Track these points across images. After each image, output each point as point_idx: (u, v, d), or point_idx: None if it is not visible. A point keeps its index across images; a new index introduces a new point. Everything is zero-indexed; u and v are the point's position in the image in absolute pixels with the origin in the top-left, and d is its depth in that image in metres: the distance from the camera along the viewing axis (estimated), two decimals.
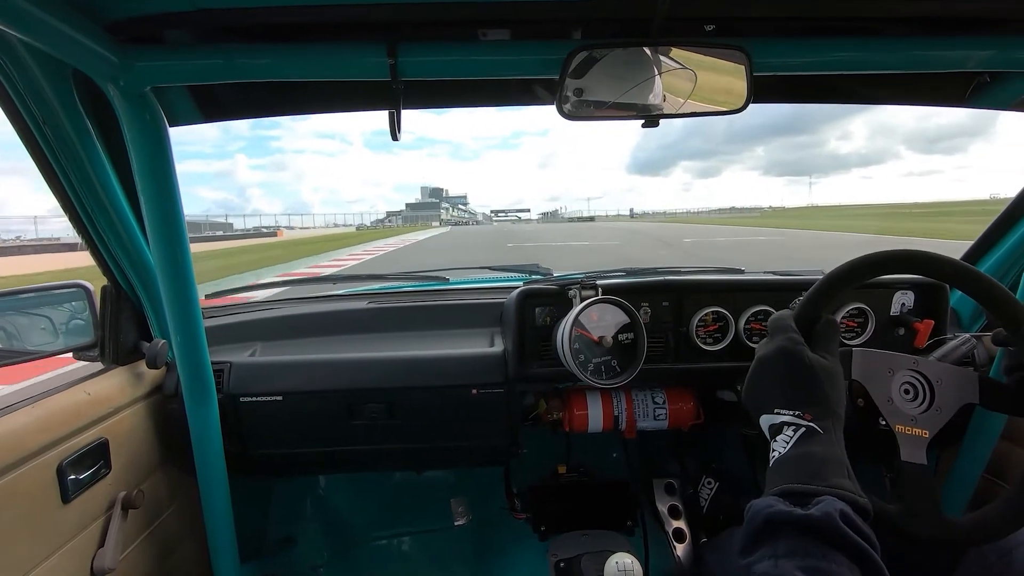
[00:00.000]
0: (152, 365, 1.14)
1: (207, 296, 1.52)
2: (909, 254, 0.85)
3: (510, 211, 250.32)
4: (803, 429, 0.64)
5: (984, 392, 0.82)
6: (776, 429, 0.67)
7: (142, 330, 1.19)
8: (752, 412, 0.73)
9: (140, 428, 1.15)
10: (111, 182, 0.98)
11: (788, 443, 0.64)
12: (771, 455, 0.65)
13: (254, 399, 1.22)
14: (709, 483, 1.58)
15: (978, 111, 1.16)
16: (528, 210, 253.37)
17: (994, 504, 0.78)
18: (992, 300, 0.83)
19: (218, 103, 1.08)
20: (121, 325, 1.13)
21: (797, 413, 0.66)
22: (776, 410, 0.68)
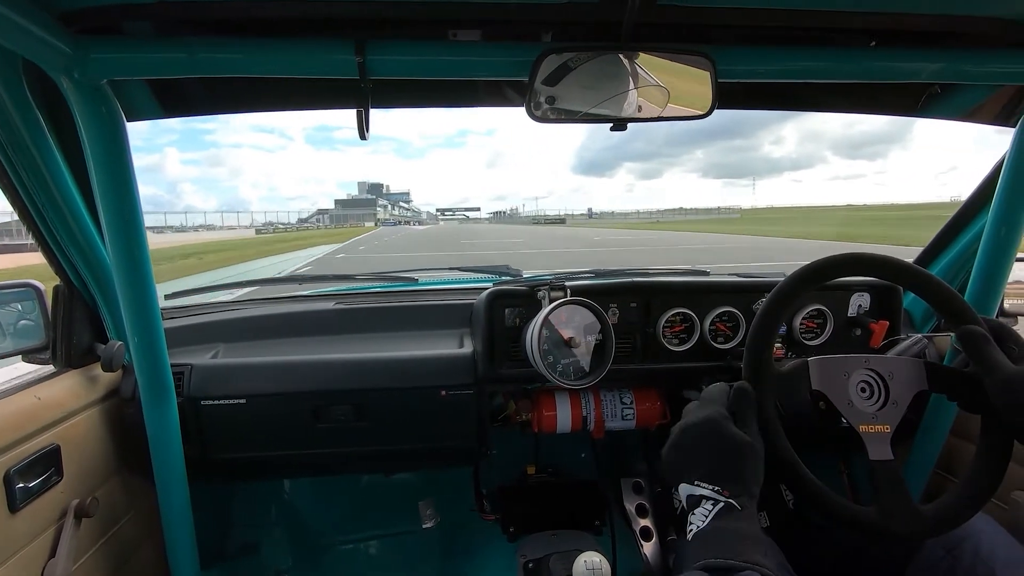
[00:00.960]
0: (108, 368, 1.10)
1: (167, 296, 1.48)
2: (865, 257, 0.90)
3: (457, 209, 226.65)
4: (722, 504, 0.67)
5: (931, 377, 0.87)
6: (695, 501, 0.69)
7: (97, 332, 1.14)
8: (670, 478, 0.75)
9: (95, 433, 1.10)
10: (64, 178, 0.94)
11: (707, 517, 0.66)
12: (688, 527, 0.68)
13: (216, 402, 1.19)
14: None
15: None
16: (478, 208, 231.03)
17: (953, 490, 0.83)
18: (942, 302, 0.87)
19: (179, 98, 1.05)
20: (74, 326, 1.09)
21: (717, 488, 0.68)
22: (696, 482, 0.70)
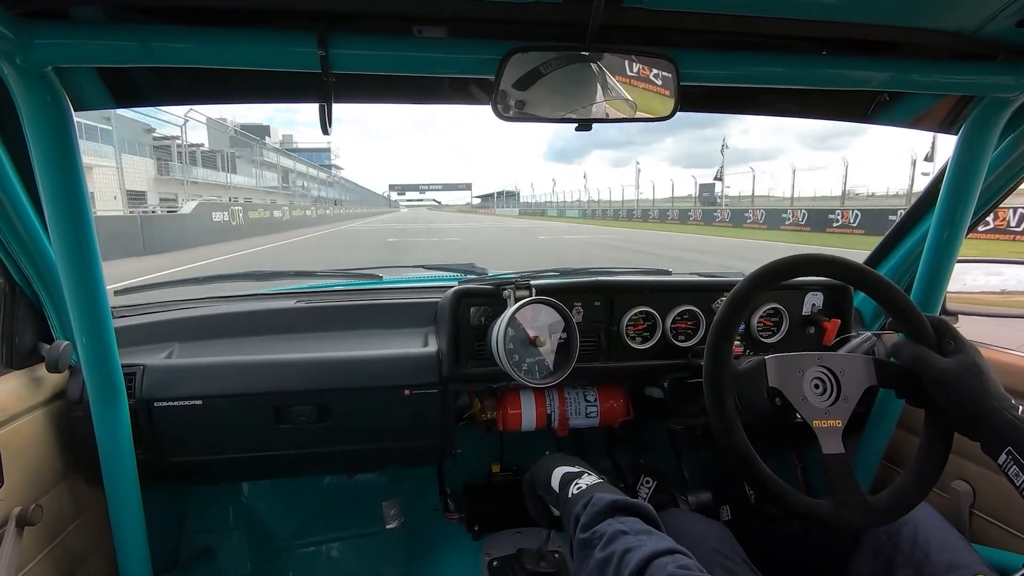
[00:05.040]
0: (53, 369, 1.05)
1: (117, 293, 1.42)
2: (818, 258, 0.93)
3: (426, 187, 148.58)
4: (597, 479, 0.92)
5: (879, 373, 0.92)
6: (573, 476, 0.92)
7: (41, 331, 1.09)
8: (543, 473, 0.99)
9: (39, 437, 1.05)
10: (4, 169, 0.89)
11: (591, 482, 0.90)
12: (576, 487, 0.90)
13: (170, 404, 1.15)
14: (647, 482, 1.63)
15: None
16: (467, 186, 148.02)
17: (900, 480, 0.88)
18: (889, 301, 0.92)
19: (131, 87, 1.01)
20: (17, 325, 1.04)
21: (585, 471, 0.95)
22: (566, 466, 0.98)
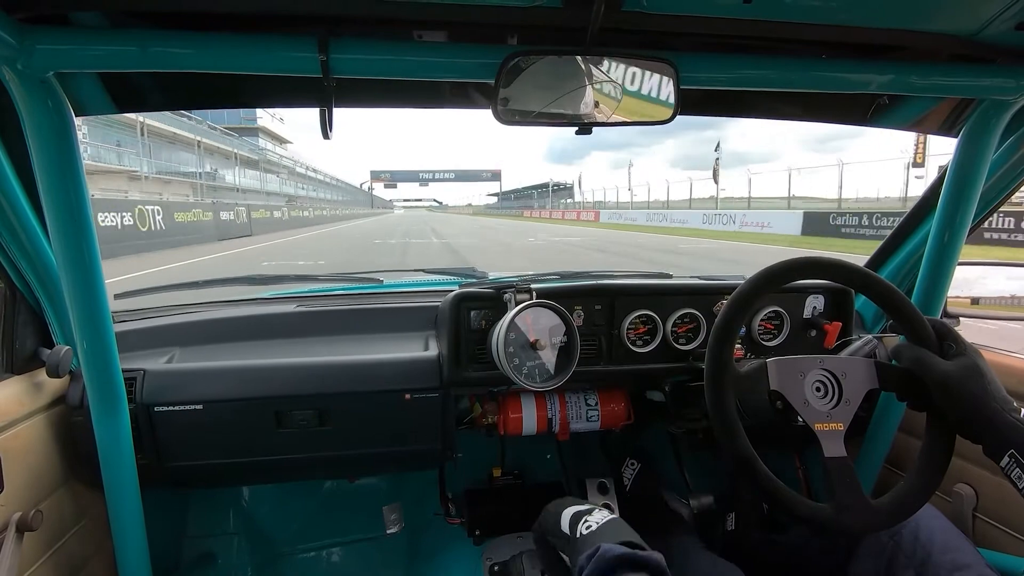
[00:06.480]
0: (53, 374, 1.05)
1: (116, 296, 1.42)
2: (819, 261, 0.94)
3: (428, 175, 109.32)
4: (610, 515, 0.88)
5: (881, 376, 0.91)
6: (584, 513, 0.88)
7: (42, 336, 1.09)
8: (552, 516, 0.94)
9: (39, 442, 1.05)
10: (6, 174, 0.89)
11: (603, 519, 0.86)
12: (586, 526, 0.86)
13: (171, 409, 1.15)
14: (632, 464, 1.63)
15: None
16: (494, 174, 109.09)
17: (902, 484, 0.87)
18: (890, 304, 0.92)
19: (133, 93, 1.01)
20: (17, 330, 1.04)
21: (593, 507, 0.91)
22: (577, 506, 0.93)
